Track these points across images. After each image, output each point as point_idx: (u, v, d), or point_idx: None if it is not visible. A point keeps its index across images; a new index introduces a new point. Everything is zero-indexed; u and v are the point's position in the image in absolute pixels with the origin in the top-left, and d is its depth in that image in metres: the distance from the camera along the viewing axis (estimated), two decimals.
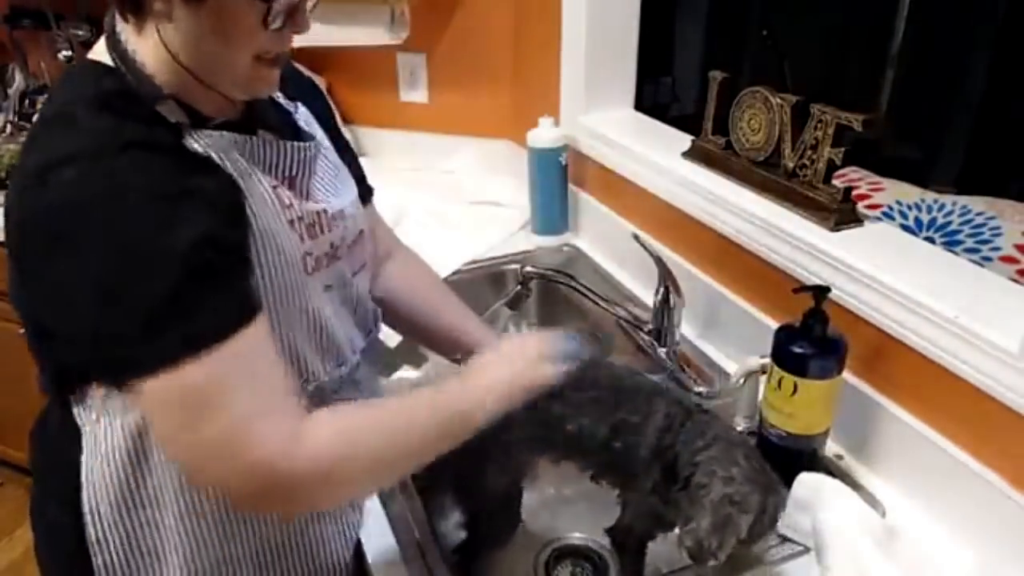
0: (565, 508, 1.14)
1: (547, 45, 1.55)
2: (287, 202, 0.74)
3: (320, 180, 0.81)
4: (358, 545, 0.89)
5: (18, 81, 2.05)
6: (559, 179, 1.50)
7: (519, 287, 1.31)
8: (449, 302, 1.03)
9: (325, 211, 0.78)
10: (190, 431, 0.63)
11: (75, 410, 0.75)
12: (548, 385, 0.81)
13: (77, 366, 0.72)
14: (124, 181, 0.62)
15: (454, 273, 1.46)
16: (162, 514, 0.75)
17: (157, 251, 0.61)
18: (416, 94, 1.90)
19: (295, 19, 0.67)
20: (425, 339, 1.04)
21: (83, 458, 0.74)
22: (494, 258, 1.52)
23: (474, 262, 1.50)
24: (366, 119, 1.99)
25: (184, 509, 0.75)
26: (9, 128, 1.99)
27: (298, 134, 0.81)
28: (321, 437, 0.66)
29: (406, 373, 1.29)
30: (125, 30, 0.68)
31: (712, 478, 0.77)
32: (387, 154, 1.96)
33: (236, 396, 0.63)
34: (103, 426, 0.73)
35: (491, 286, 1.49)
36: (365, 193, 0.96)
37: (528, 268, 1.30)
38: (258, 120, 0.77)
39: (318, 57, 1.92)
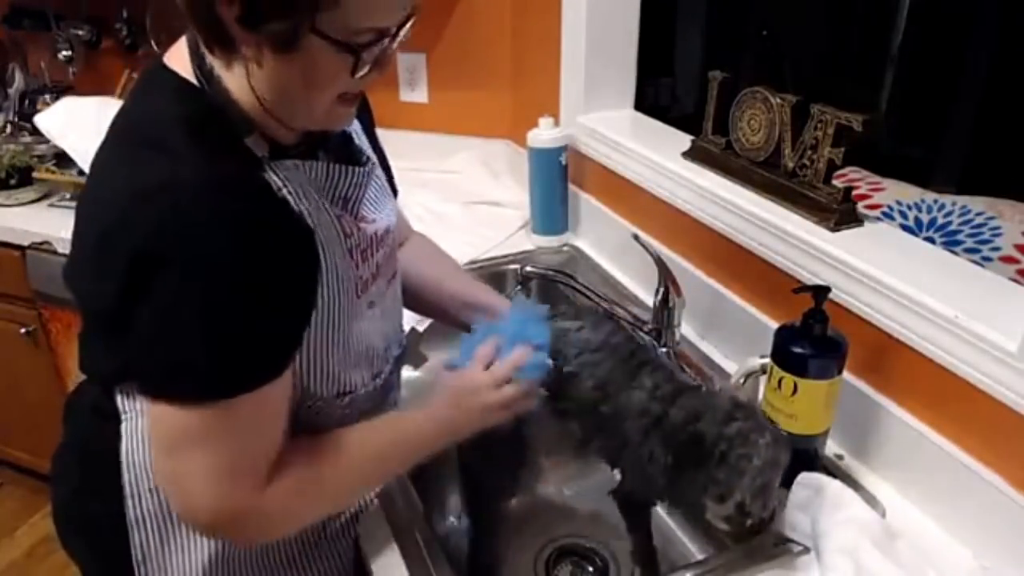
0: (565, 508, 1.14)
1: (547, 45, 1.55)
2: (349, 231, 0.75)
3: (369, 199, 0.81)
4: (356, 539, 0.90)
5: (18, 81, 2.05)
6: (559, 179, 1.50)
7: (519, 287, 1.31)
8: (456, 270, 1.06)
9: (376, 233, 0.79)
10: (169, 459, 0.68)
11: (118, 397, 0.77)
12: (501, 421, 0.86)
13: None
14: (201, 224, 0.62)
15: None
16: None
17: (235, 290, 0.63)
18: (416, 94, 1.90)
19: (381, 65, 0.67)
20: (434, 307, 1.03)
21: (123, 442, 0.77)
22: (494, 258, 1.52)
23: (474, 262, 1.50)
24: None
25: None
26: (9, 128, 1.99)
27: (351, 150, 0.82)
28: (278, 501, 0.71)
29: (407, 373, 1.29)
30: (213, 59, 0.67)
31: (754, 448, 0.78)
32: (387, 154, 1.96)
33: (235, 444, 0.67)
34: (144, 412, 0.75)
35: (491, 286, 1.49)
36: (393, 194, 0.96)
37: (528, 268, 1.30)
38: (319, 142, 0.78)
39: None
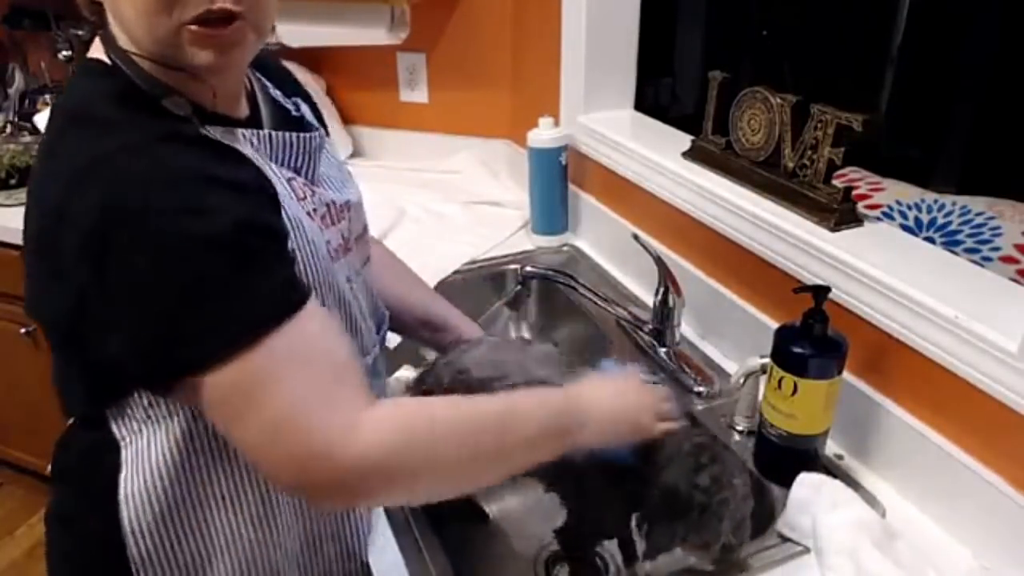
0: (563, 518, 1.14)
1: (547, 45, 1.55)
2: (301, 193, 0.74)
3: (324, 172, 0.81)
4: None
5: (18, 81, 2.05)
6: (559, 179, 1.50)
7: (519, 287, 1.31)
8: (418, 284, 1.06)
9: (333, 202, 0.79)
10: (241, 423, 0.61)
11: (113, 425, 0.70)
12: (648, 437, 0.79)
13: (123, 371, 0.66)
14: (163, 173, 0.60)
15: (454, 273, 1.46)
16: (207, 520, 0.73)
17: (204, 240, 0.59)
18: (416, 94, 1.90)
19: None
20: (396, 319, 1.00)
21: (122, 475, 0.70)
22: (494, 258, 1.52)
23: (474, 262, 1.50)
24: (366, 119, 1.99)
25: (228, 513, 0.74)
26: (9, 128, 1.99)
27: (295, 122, 0.81)
28: (381, 429, 0.62)
29: (406, 372, 1.29)
30: (118, 29, 0.67)
31: (729, 490, 0.77)
32: (387, 154, 1.96)
33: (288, 385, 0.61)
34: (146, 436, 0.70)
35: (491, 286, 1.50)
36: None
37: (528, 268, 1.30)
38: (260, 121, 0.77)
39: (318, 57, 1.92)
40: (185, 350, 0.60)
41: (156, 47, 0.65)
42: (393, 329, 1.01)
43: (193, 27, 0.63)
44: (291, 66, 1.83)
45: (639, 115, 1.54)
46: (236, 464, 0.73)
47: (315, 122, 0.86)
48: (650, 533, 0.81)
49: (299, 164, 0.76)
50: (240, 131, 0.70)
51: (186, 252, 0.59)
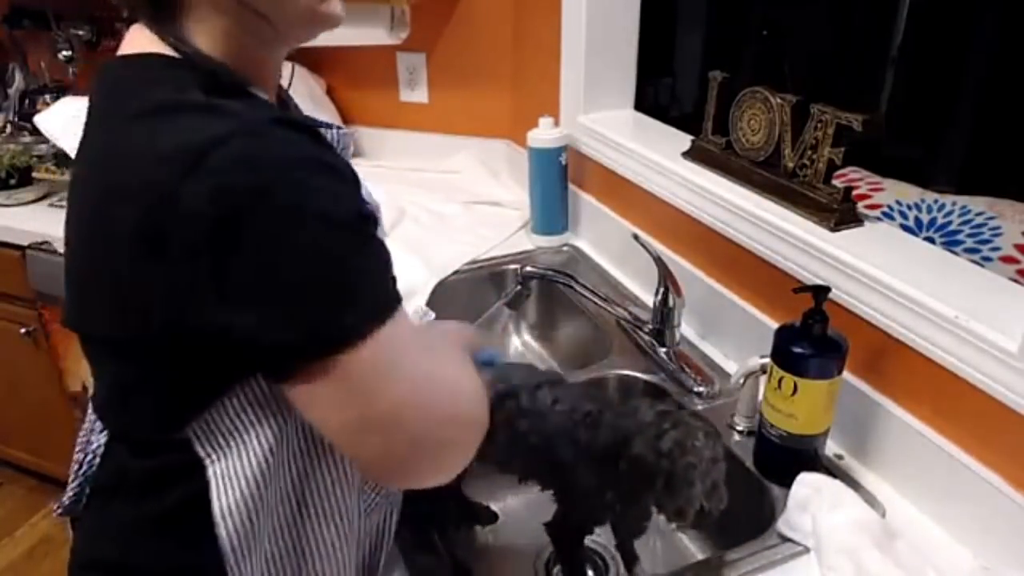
0: (552, 514, 1.14)
1: (547, 45, 1.55)
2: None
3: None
4: None
5: (18, 81, 2.05)
6: (559, 179, 1.50)
7: (519, 287, 1.31)
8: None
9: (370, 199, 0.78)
10: (373, 401, 0.60)
11: (196, 443, 0.65)
12: None
13: (227, 372, 0.63)
14: (290, 154, 0.57)
15: (454, 273, 1.46)
16: (305, 525, 0.71)
17: (334, 222, 0.57)
18: (416, 94, 1.90)
19: None
20: None
21: (214, 492, 0.65)
22: (494, 258, 1.52)
23: (474, 262, 1.50)
24: (366, 119, 1.99)
25: (324, 516, 0.72)
26: (9, 128, 1.99)
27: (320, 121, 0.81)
28: (481, 392, 0.69)
29: None
30: (168, 23, 0.63)
31: (693, 453, 0.77)
32: (387, 154, 1.96)
33: (412, 359, 0.63)
34: (235, 447, 0.65)
35: (491, 286, 1.50)
36: None
37: (528, 268, 1.30)
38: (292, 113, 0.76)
39: (318, 57, 1.92)
40: (331, 325, 0.58)
41: (288, 15, 0.64)
42: None
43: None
44: (291, 66, 1.84)
45: (639, 115, 1.54)
46: (331, 462, 0.71)
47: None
48: (624, 510, 0.82)
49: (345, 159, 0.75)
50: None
51: (322, 231, 0.57)
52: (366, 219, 0.61)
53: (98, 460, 0.71)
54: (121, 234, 0.57)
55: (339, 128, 0.74)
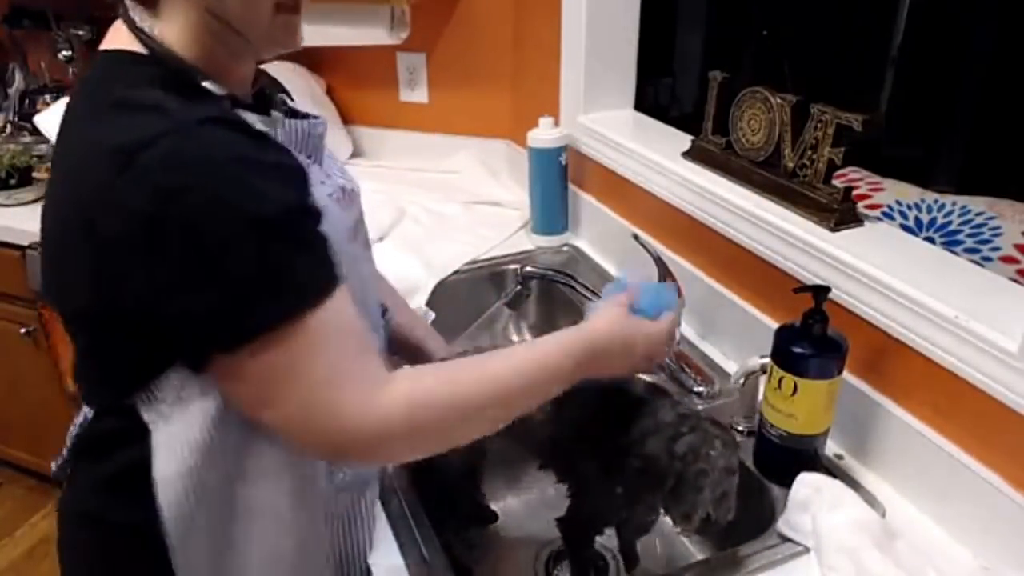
0: (565, 508, 1.14)
1: (547, 45, 1.55)
2: (321, 178, 0.75)
3: (327, 159, 0.82)
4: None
5: (18, 81, 2.05)
6: (559, 179, 1.50)
7: (519, 287, 1.31)
8: (404, 307, 1.08)
9: (343, 187, 0.80)
10: (281, 393, 0.65)
11: (142, 410, 0.70)
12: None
13: (161, 350, 0.67)
14: (214, 154, 0.61)
15: (454, 273, 1.46)
16: (245, 497, 0.74)
17: (254, 220, 0.61)
18: (416, 94, 1.90)
19: None
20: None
21: (155, 458, 0.70)
22: (494, 258, 1.52)
23: (474, 262, 1.50)
24: (366, 119, 1.99)
25: (265, 489, 0.74)
26: (9, 128, 1.99)
27: (296, 110, 0.82)
28: (397, 398, 0.67)
29: None
30: (145, 19, 0.68)
31: (707, 461, 0.78)
32: (387, 154, 1.96)
33: (326, 357, 0.65)
34: (177, 418, 0.70)
35: (491, 286, 1.50)
36: None
37: (528, 268, 1.30)
38: (268, 104, 0.79)
39: (318, 57, 1.92)
40: (244, 319, 0.62)
41: (253, 32, 0.69)
42: None
43: (286, 15, 0.70)
44: (291, 66, 1.84)
45: (639, 115, 1.54)
46: (270, 440, 0.73)
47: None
48: (632, 507, 0.82)
49: (310, 150, 0.77)
50: (258, 117, 0.71)
51: (241, 230, 0.61)
52: (302, 214, 0.65)
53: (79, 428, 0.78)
54: (70, 219, 0.65)
55: (313, 118, 0.78)
